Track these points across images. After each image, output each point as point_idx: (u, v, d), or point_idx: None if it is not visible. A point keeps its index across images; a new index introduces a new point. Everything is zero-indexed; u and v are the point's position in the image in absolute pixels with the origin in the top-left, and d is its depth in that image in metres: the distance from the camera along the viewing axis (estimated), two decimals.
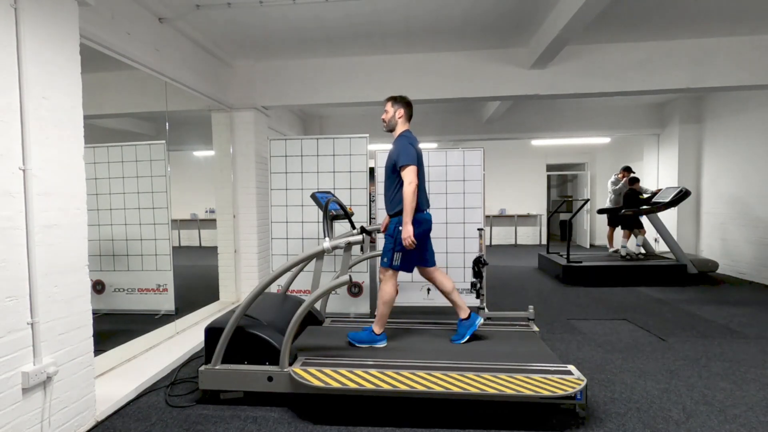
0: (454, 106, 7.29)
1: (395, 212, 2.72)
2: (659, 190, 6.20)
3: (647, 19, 3.83)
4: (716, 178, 6.45)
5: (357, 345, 2.70)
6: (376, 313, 2.76)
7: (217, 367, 2.34)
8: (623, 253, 6.20)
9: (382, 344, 2.70)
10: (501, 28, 3.96)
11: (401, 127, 2.77)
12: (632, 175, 6.56)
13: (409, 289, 4.17)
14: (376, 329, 2.72)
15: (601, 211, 6.90)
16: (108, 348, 3.00)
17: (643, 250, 6.45)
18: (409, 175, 2.57)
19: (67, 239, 2.00)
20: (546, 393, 2.03)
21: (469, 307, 2.84)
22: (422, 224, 2.71)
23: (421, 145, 2.90)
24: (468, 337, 2.73)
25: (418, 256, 2.77)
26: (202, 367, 2.36)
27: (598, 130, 7.51)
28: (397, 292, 2.81)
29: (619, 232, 6.73)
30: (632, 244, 6.39)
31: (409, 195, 2.55)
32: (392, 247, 2.69)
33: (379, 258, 3.96)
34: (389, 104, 2.79)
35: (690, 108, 6.86)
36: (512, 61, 4.49)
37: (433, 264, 2.88)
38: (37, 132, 1.86)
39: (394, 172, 2.71)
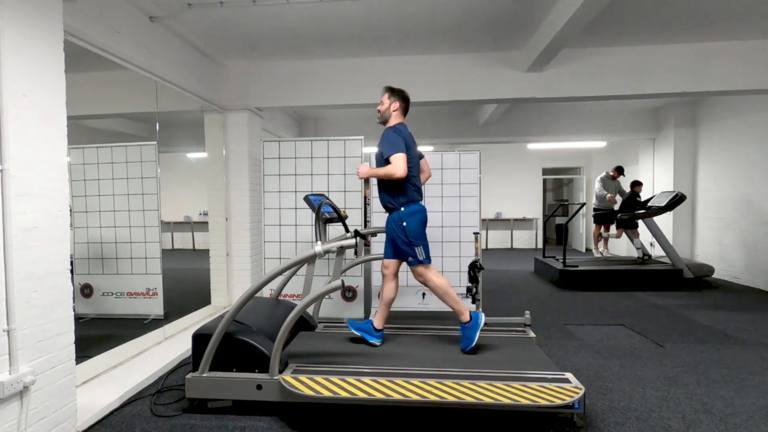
0: (450, 109, 7.26)
1: (391, 207, 2.67)
2: (653, 196, 6.20)
3: (643, 23, 3.82)
4: (711, 183, 6.45)
5: (353, 331, 2.71)
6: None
7: (204, 375, 2.26)
8: (602, 251, 6.39)
9: (375, 342, 2.66)
10: (497, 31, 3.93)
11: (395, 120, 2.71)
12: (620, 175, 6.62)
13: (404, 294, 4.11)
14: (377, 323, 2.70)
15: (595, 213, 6.89)
16: (94, 354, 2.92)
17: (643, 250, 6.50)
18: (397, 161, 2.50)
19: (47, 242, 1.92)
20: (544, 402, 1.97)
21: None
22: (422, 212, 2.69)
23: (417, 148, 2.84)
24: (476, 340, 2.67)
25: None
26: (189, 375, 2.28)
27: (594, 134, 7.51)
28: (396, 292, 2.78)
29: (612, 232, 6.76)
30: (625, 243, 6.53)
31: (386, 172, 2.52)
32: (408, 244, 2.62)
33: (374, 262, 3.91)
34: (386, 95, 2.73)
35: (685, 112, 6.88)
36: (508, 64, 4.46)
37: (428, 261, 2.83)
38: (16, 130, 1.79)
39: (381, 162, 2.66)
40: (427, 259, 2.66)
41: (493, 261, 8.09)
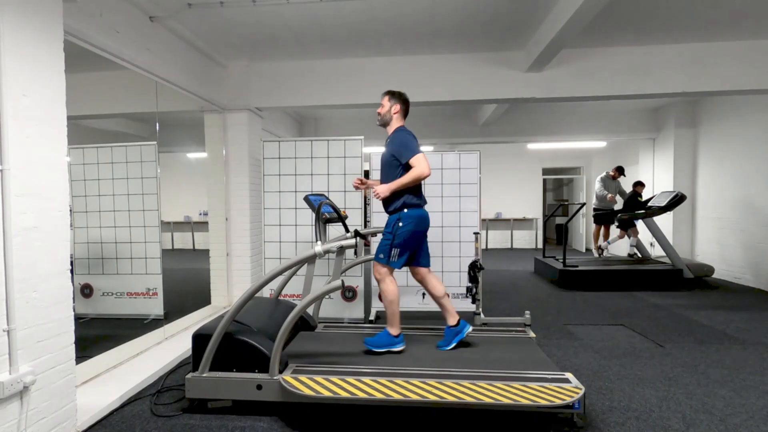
0: (450, 109, 7.26)
1: (393, 209, 2.66)
2: (653, 196, 6.20)
3: (643, 23, 3.82)
4: (711, 183, 6.45)
5: (375, 351, 2.59)
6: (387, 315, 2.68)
7: (204, 375, 2.26)
8: (603, 246, 6.32)
9: (400, 347, 2.61)
10: (497, 31, 3.93)
11: (396, 123, 2.73)
12: (620, 175, 6.62)
13: (404, 294, 4.10)
14: (392, 330, 2.62)
15: (595, 213, 6.89)
16: (94, 354, 2.92)
17: (637, 252, 6.47)
18: (420, 162, 2.51)
19: (47, 242, 1.92)
20: (544, 402, 1.97)
21: (464, 312, 2.78)
22: (423, 221, 2.67)
23: None
24: (454, 344, 2.66)
25: (413, 254, 2.72)
26: (189, 375, 2.28)
27: (594, 134, 7.51)
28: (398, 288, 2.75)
29: (613, 232, 6.76)
30: (626, 244, 6.49)
31: (413, 177, 2.51)
32: (390, 242, 2.62)
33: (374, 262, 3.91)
34: (386, 98, 2.75)
35: (685, 112, 6.87)
36: (509, 64, 4.46)
37: (427, 265, 2.82)
38: (17, 130, 1.79)
39: (393, 167, 2.64)
40: (396, 264, 2.64)
41: (493, 261, 8.09)
